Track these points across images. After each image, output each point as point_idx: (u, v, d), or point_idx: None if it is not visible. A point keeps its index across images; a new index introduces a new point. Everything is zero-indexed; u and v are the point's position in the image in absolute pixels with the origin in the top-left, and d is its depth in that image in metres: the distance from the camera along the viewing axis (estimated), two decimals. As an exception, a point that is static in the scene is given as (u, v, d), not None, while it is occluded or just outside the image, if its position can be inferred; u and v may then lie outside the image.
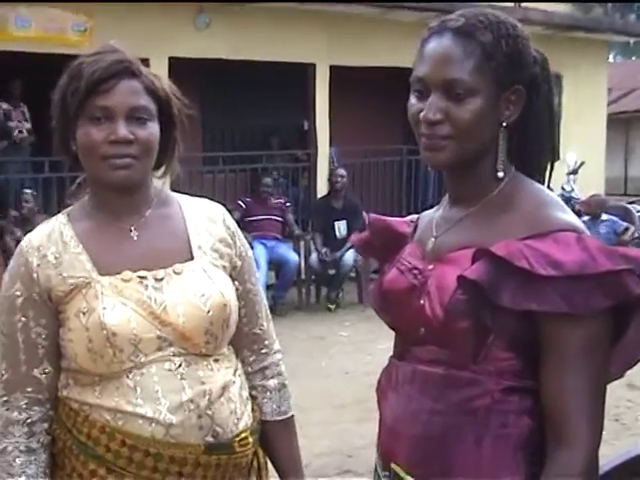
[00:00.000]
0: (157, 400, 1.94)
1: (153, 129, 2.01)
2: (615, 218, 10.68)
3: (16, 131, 10.32)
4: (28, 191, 9.09)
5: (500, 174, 1.80)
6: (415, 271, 1.86)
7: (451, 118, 1.72)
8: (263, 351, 2.25)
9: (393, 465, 1.85)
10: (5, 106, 10.36)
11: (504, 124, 1.78)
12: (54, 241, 2.03)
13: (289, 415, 2.28)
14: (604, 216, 10.53)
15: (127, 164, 1.96)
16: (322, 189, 11.46)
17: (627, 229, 10.57)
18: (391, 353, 2.01)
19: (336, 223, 10.56)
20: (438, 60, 1.73)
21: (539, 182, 1.85)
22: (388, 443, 1.89)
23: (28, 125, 10.36)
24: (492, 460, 1.70)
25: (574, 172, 13.46)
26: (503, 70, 1.73)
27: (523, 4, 12.83)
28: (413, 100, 1.79)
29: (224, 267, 2.12)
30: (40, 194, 9.37)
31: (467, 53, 1.71)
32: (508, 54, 1.73)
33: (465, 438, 1.72)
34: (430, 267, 1.82)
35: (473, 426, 1.71)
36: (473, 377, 1.72)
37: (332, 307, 10.49)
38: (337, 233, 10.54)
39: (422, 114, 1.74)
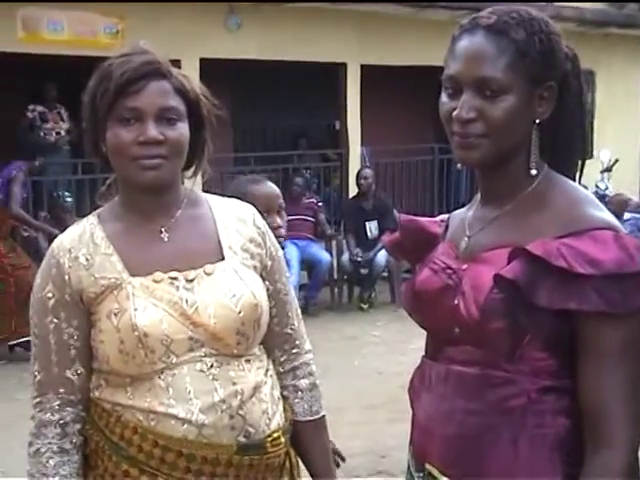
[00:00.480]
0: (189, 401, 1.94)
1: (183, 129, 2.00)
2: (638, 215, 10.61)
3: (53, 132, 10.45)
4: (69, 200, 9.11)
5: (533, 172, 1.78)
6: (449, 271, 1.85)
7: (485, 116, 1.71)
8: (294, 351, 2.25)
9: (427, 465, 1.85)
10: (40, 108, 10.47)
11: (537, 121, 1.76)
12: (85, 242, 2.04)
13: (320, 415, 2.28)
14: (627, 215, 10.46)
15: (157, 165, 1.96)
16: (354, 189, 11.43)
17: None
18: (423, 353, 2.00)
19: (367, 223, 10.53)
20: (471, 58, 1.72)
21: (571, 180, 1.83)
22: (422, 443, 1.88)
23: (66, 125, 10.47)
24: (528, 460, 1.69)
25: (608, 170, 13.33)
26: (536, 67, 1.71)
27: (555, 2, 12.75)
28: (445, 98, 1.78)
29: (255, 267, 2.11)
30: (73, 196, 9.43)
31: (500, 50, 1.70)
32: (541, 51, 1.72)
33: (501, 438, 1.71)
34: (464, 267, 1.82)
35: (509, 426, 1.70)
36: (509, 377, 1.71)
37: (364, 307, 10.47)
38: (368, 233, 10.52)
39: (455, 112, 1.73)
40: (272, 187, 3.44)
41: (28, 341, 2.30)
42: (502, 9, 1.76)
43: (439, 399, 1.83)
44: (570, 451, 1.69)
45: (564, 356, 1.69)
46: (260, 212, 3.01)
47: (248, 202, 2.99)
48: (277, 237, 3.32)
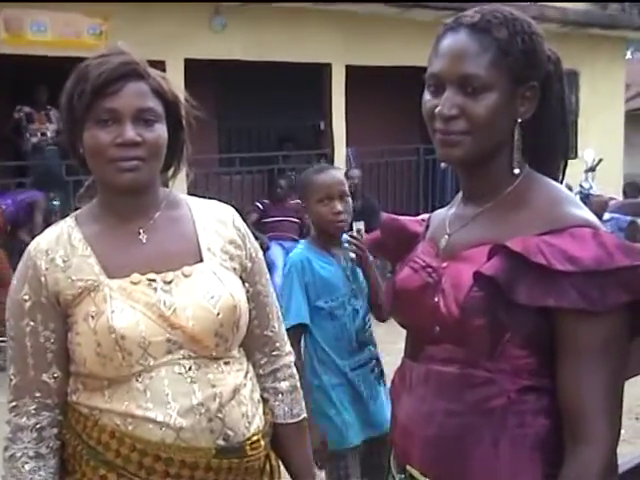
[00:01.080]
0: (167, 404, 1.93)
1: (161, 131, 1.99)
2: (617, 215, 10.67)
3: (38, 133, 10.47)
4: (55, 203, 9.13)
5: (516, 170, 1.79)
6: (429, 269, 1.85)
7: (467, 113, 1.71)
8: (274, 353, 2.24)
9: (408, 467, 1.85)
10: (27, 109, 10.52)
11: (519, 120, 1.77)
12: (62, 244, 2.02)
13: (301, 417, 2.27)
14: (606, 215, 10.51)
15: (134, 166, 1.95)
16: (339, 189, 11.42)
17: (633, 222, 10.53)
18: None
19: (354, 223, 10.47)
20: (454, 55, 1.73)
21: (554, 180, 1.84)
22: (402, 444, 1.88)
23: (53, 126, 10.48)
24: (509, 461, 1.69)
25: (592, 169, 13.41)
26: (518, 66, 1.72)
27: (539, 2, 12.81)
28: (428, 96, 1.78)
29: (234, 269, 2.10)
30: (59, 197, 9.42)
31: (483, 48, 1.71)
32: (524, 50, 1.73)
33: (482, 439, 1.71)
34: (444, 265, 1.82)
35: (490, 427, 1.70)
36: (489, 376, 1.71)
37: (350, 308, 10.42)
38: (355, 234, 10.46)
39: (437, 109, 1.74)
40: (333, 174, 3.56)
41: None
42: (486, 9, 1.77)
43: (419, 400, 1.83)
44: (550, 451, 1.69)
45: (544, 355, 1.69)
46: (322, 199, 3.09)
47: (312, 190, 3.02)
48: (338, 222, 3.43)
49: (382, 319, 3.55)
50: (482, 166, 1.80)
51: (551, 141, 1.86)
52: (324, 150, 12.35)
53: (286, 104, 12.90)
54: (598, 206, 10.64)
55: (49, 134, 10.52)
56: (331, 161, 12.06)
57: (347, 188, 3.56)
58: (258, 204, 10.50)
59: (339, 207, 3.48)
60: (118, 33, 9.38)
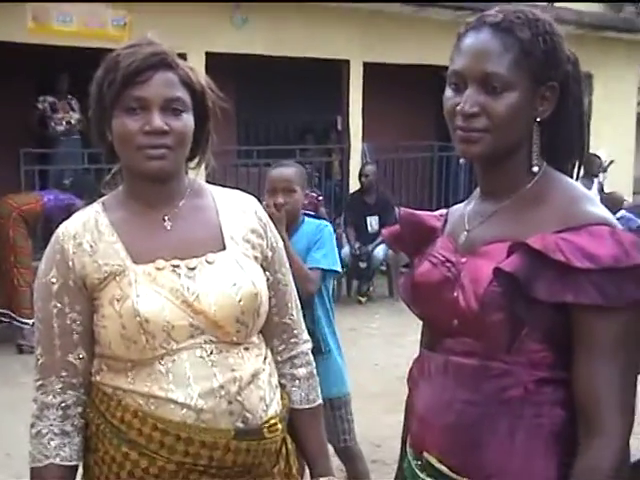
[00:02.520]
0: (188, 386, 1.96)
1: (187, 120, 2.01)
2: (630, 215, 10.65)
3: (63, 122, 10.57)
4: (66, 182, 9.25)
5: (535, 168, 1.81)
6: (448, 264, 1.87)
7: (487, 111, 1.73)
8: (292, 340, 2.27)
9: (425, 454, 1.87)
10: (50, 99, 10.58)
11: (538, 119, 1.79)
12: (89, 229, 2.05)
13: (317, 403, 2.30)
14: (619, 213, 10.46)
15: (161, 155, 1.97)
16: (355, 184, 11.40)
17: None
18: (418, 345, 2.04)
19: (368, 218, 10.54)
20: (476, 54, 1.75)
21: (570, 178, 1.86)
22: (420, 432, 1.90)
23: (76, 115, 10.58)
24: (524, 450, 1.72)
25: (603, 170, 13.42)
26: (539, 66, 1.74)
27: (555, 3, 12.85)
28: (449, 93, 1.80)
29: (255, 257, 2.13)
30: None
31: (505, 48, 1.73)
32: (545, 51, 1.74)
33: (498, 428, 1.73)
34: (463, 260, 1.84)
35: (507, 416, 1.73)
36: (506, 368, 1.73)
37: (363, 300, 10.50)
38: (369, 228, 10.54)
39: (458, 107, 1.75)
40: (281, 170, 4.07)
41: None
42: (509, 9, 1.78)
43: (438, 389, 1.85)
44: (566, 441, 1.71)
45: (561, 348, 1.71)
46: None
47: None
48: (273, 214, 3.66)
49: (308, 292, 3.79)
50: (501, 163, 1.82)
51: (568, 141, 1.87)
52: (340, 145, 12.38)
53: (304, 99, 12.93)
54: (612, 202, 10.57)
55: (73, 122, 10.61)
56: (347, 156, 12.12)
57: (291, 184, 3.98)
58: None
59: (280, 199, 3.91)
60: (141, 25, 9.41)
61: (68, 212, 8.57)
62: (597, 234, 1.66)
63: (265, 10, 10.69)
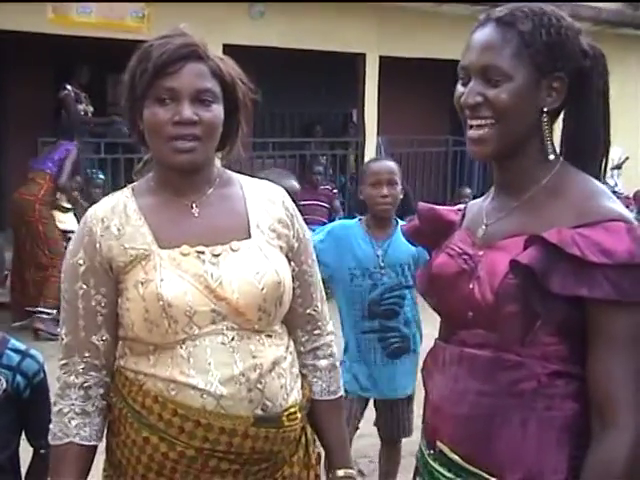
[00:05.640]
0: (209, 372, 1.97)
1: (217, 111, 2.03)
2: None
3: (82, 113, 10.54)
4: (101, 177, 9.29)
5: (551, 157, 1.83)
6: (465, 256, 1.89)
7: (489, 100, 1.76)
8: (316, 332, 2.28)
9: (438, 443, 1.89)
10: (74, 89, 10.61)
11: (545, 109, 1.80)
12: (118, 213, 2.08)
13: (338, 395, 2.31)
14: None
15: (190, 148, 2.00)
16: (370, 177, 11.45)
17: None
18: (436, 336, 2.04)
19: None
20: (478, 48, 1.79)
21: (594, 174, 1.86)
22: (434, 422, 1.92)
23: (90, 108, 10.58)
24: (536, 441, 1.73)
25: (618, 167, 13.36)
26: (541, 57, 1.75)
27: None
28: (459, 88, 1.84)
29: (280, 247, 2.14)
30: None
31: (506, 41, 1.76)
32: (547, 42, 1.76)
33: (511, 419, 1.75)
34: (480, 253, 1.86)
35: (519, 408, 1.74)
36: (520, 360, 1.75)
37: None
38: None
39: (462, 99, 1.80)
40: (384, 163, 4.21)
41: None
42: (516, 5, 1.81)
43: (452, 380, 1.86)
44: (577, 434, 1.72)
45: (574, 342, 1.72)
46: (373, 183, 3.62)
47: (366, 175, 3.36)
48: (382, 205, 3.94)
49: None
50: (513, 159, 1.83)
51: (589, 136, 1.87)
52: (356, 138, 12.38)
53: (320, 91, 12.96)
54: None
55: (89, 114, 10.61)
56: (362, 149, 12.12)
57: (394, 177, 4.01)
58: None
59: (385, 191, 3.93)
60: (159, 17, 9.47)
61: (72, 159, 8.53)
62: (613, 230, 1.67)
63: (282, 3, 10.68)
